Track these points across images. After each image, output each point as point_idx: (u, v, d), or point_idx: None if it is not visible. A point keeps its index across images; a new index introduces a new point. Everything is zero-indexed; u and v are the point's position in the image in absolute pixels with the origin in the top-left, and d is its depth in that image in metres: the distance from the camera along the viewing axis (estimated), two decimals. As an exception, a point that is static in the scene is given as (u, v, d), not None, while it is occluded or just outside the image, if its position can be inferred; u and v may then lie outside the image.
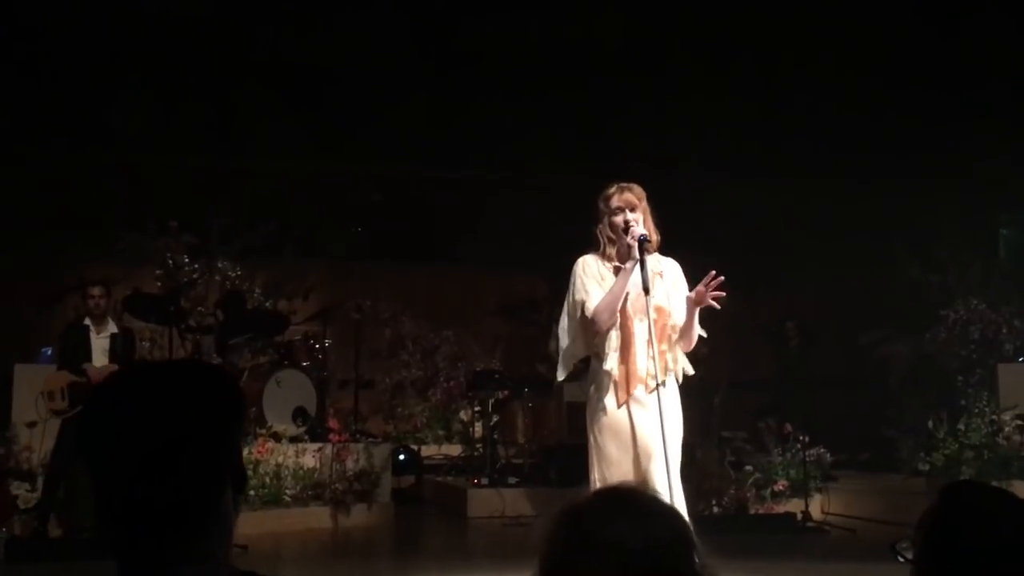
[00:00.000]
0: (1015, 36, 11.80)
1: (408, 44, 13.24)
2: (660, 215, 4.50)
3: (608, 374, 4.32)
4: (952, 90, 12.33)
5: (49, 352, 9.63)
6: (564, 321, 4.51)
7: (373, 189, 11.82)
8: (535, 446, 10.35)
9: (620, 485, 1.42)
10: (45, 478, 7.69)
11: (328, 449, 9.12)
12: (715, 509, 8.56)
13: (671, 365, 4.40)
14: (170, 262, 10.15)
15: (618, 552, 1.28)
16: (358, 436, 10.04)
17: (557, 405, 10.34)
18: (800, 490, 8.73)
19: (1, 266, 12.06)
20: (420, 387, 12.99)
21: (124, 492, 1.36)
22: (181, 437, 1.37)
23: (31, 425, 8.03)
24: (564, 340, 4.52)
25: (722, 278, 4.27)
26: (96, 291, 8.02)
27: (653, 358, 4.21)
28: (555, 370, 4.74)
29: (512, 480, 9.93)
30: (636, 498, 1.36)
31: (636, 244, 4.28)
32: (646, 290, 4.22)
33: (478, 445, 10.61)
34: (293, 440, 9.13)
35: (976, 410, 9.11)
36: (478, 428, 10.73)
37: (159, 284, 10.17)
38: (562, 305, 4.57)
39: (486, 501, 9.48)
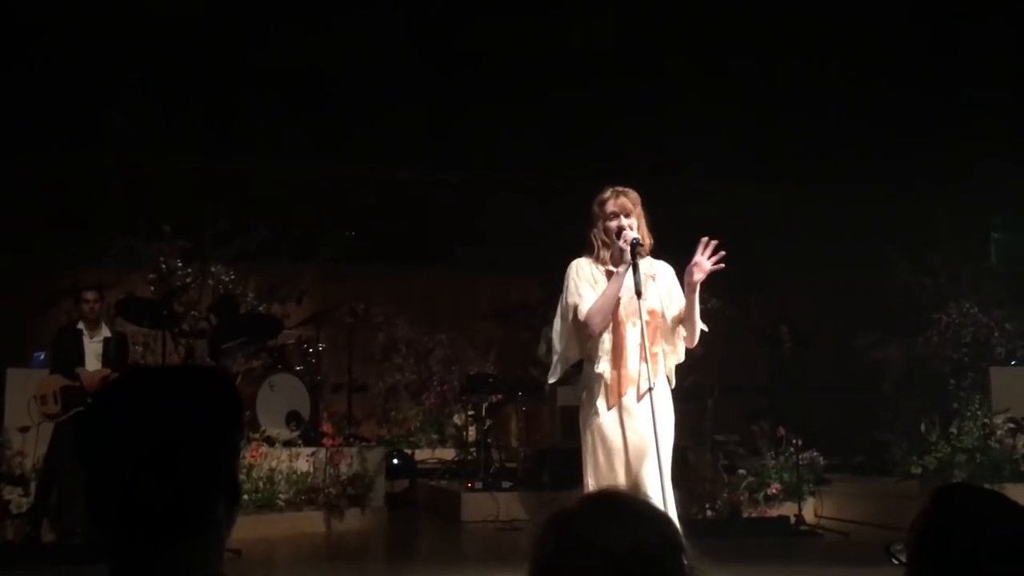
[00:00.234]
0: (1009, 42, 11.85)
1: (404, 48, 13.23)
2: (655, 218, 4.50)
3: (600, 378, 4.32)
4: (945, 95, 12.38)
5: (42, 356, 9.60)
6: (557, 324, 4.51)
7: (367, 193, 11.82)
8: (529, 450, 10.36)
9: (608, 489, 1.43)
10: (38, 483, 7.68)
11: (322, 453, 9.11)
12: (708, 513, 8.57)
13: (664, 367, 4.40)
14: (163, 266, 10.13)
15: (606, 556, 1.28)
16: (351, 440, 10.04)
17: (550, 409, 10.34)
18: (793, 494, 8.74)
19: (-6, 270, 12.05)
20: (414, 391, 12.98)
21: (121, 495, 1.36)
22: (179, 440, 1.37)
23: (24, 429, 8.01)
24: (557, 343, 4.52)
25: (716, 241, 4.26)
26: (90, 295, 8.02)
27: (646, 361, 4.21)
28: (547, 374, 4.74)
29: (506, 484, 9.92)
30: (624, 502, 1.37)
31: (629, 248, 4.29)
32: (638, 293, 4.22)
33: (472, 449, 10.61)
34: (287, 444, 9.13)
35: (968, 413, 9.13)
36: (472, 432, 10.73)
37: (152, 288, 10.15)
38: (555, 308, 4.57)
39: (480, 505, 9.48)
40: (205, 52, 12.52)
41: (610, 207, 4.43)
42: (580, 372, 4.54)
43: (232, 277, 10.64)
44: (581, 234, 4.54)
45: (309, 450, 9.17)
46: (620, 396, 4.28)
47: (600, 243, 4.46)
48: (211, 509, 1.40)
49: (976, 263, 11.00)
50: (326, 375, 10.82)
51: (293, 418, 9.36)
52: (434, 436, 12.52)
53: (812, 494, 9.11)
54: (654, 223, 4.49)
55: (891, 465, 9.50)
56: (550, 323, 4.59)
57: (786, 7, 12.46)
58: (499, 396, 10.57)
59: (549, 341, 4.79)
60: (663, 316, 4.40)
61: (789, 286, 13.63)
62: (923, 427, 9.11)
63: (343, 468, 9.11)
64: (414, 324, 13.26)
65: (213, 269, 10.45)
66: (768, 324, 12.38)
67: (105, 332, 8.08)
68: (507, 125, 13.33)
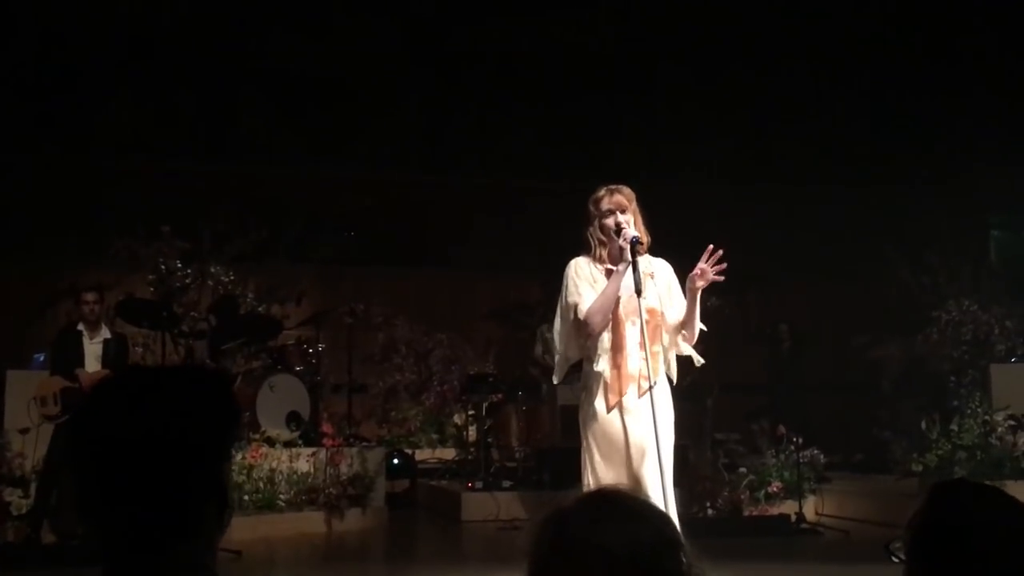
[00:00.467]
0: (1005, 43, 11.85)
1: (401, 50, 13.25)
2: (655, 219, 4.51)
3: (599, 376, 4.32)
4: (943, 95, 12.38)
5: (42, 358, 9.60)
6: (557, 324, 4.51)
7: (366, 194, 11.81)
8: (529, 449, 10.35)
9: (606, 488, 1.42)
10: (38, 484, 7.67)
11: (322, 453, 9.11)
12: (709, 511, 8.56)
13: (664, 365, 4.41)
14: (163, 267, 10.13)
15: (603, 555, 1.28)
16: (352, 440, 10.03)
17: (550, 408, 10.33)
18: (794, 492, 8.74)
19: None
20: (413, 391, 12.97)
21: (111, 496, 1.35)
22: (168, 441, 1.36)
23: (24, 431, 8.00)
24: (558, 344, 4.51)
25: (720, 251, 4.27)
26: (90, 296, 8.02)
27: (646, 359, 4.21)
28: (546, 373, 4.74)
29: (506, 484, 9.92)
30: (622, 501, 1.36)
31: (628, 246, 4.28)
32: (638, 292, 4.22)
33: (472, 449, 10.61)
34: (287, 445, 9.12)
35: (969, 411, 9.12)
36: (472, 432, 10.73)
37: (152, 289, 10.15)
38: (555, 309, 4.57)
39: (480, 505, 9.48)
40: (205, 54, 12.53)
41: (605, 204, 4.43)
42: (580, 371, 4.54)
43: (231, 278, 10.64)
44: (580, 234, 4.54)
45: (309, 450, 9.17)
46: (620, 395, 4.28)
47: (597, 241, 4.45)
48: (201, 510, 1.39)
49: (975, 261, 11.00)
50: (326, 375, 10.80)
51: (293, 419, 9.36)
52: (434, 436, 12.52)
53: (813, 492, 9.10)
54: (654, 224, 4.49)
55: (891, 463, 9.50)
56: (548, 323, 4.59)
57: (785, 8, 12.48)
58: (499, 396, 10.56)
59: (545, 341, 4.81)
60: (662, 314, 4.41)
61: (788, 285, 13.62)
62: (923, 425, 9.10)
63: (343, 468, 9.10)
64: (413, 324, 13.24)
65: (212, 270, 10.46)
66: (767, 323, 12.38)
67: (105, 333, 8.08)
68: (506, 126, 13.34)
